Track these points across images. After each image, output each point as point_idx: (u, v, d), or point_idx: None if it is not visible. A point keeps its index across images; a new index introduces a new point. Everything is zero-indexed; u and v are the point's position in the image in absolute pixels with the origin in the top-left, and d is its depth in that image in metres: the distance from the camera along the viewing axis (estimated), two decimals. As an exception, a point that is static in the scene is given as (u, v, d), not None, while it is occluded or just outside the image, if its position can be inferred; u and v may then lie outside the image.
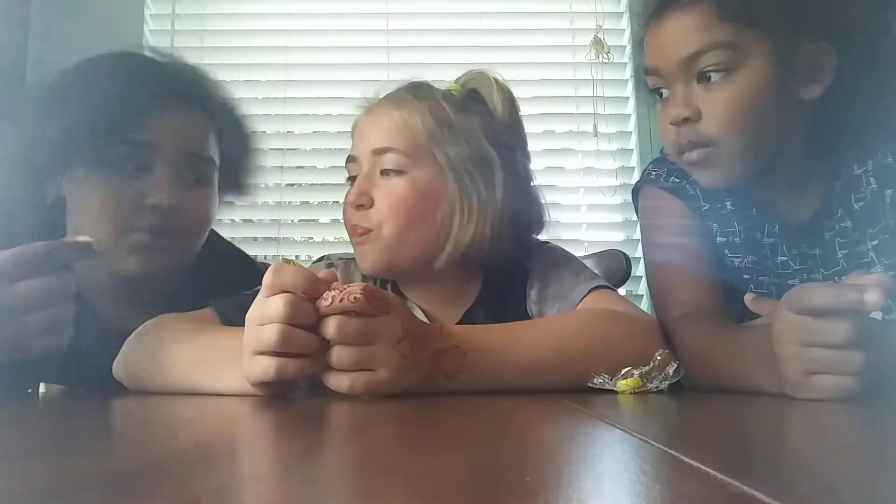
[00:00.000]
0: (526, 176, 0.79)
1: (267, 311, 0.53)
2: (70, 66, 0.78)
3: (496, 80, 0.78)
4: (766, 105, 0.71)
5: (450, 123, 0.74)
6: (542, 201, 0.81)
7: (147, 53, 0.85)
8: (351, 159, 0.78)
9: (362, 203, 0.74)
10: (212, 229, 0.90)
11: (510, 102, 0.78)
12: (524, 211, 0.78)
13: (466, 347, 0.60)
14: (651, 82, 0.78)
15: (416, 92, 0.77)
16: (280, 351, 0.53)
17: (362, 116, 0.79)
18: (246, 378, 0.55)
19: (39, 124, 0.74)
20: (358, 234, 0.74)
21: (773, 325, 0.56)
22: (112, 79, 0.77)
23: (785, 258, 0.81)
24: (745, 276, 0.84)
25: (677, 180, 0.85)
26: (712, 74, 0.71)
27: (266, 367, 0.53)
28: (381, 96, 0.79)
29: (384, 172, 0.74)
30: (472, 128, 0.74)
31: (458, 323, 0.77)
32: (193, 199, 0.79)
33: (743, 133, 0.72)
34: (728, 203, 0.83)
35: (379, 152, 0.74)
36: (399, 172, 0.73)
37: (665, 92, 0.76)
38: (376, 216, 0.73)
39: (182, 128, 0.79)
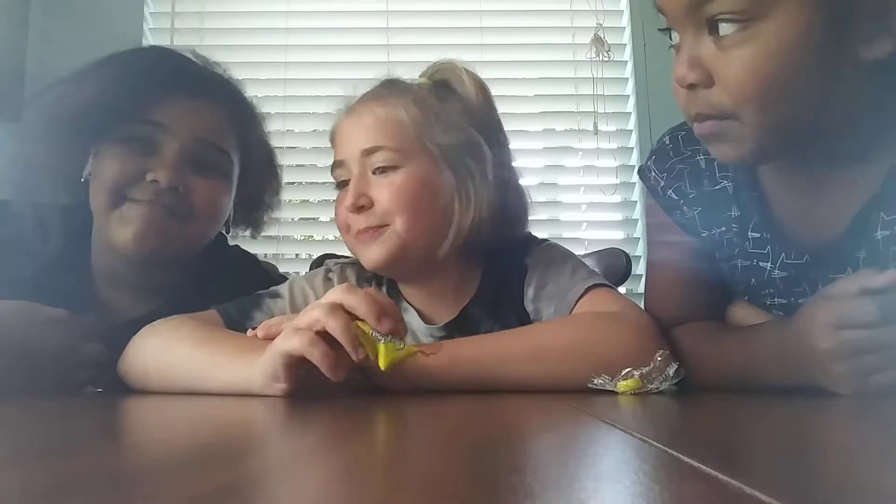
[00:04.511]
0: (507, 161, 0.79)
1: (330, 296, 0.57)
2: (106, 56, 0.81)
3: (465, 69, 0.78)
4: (801, 67, 0.54)
5: (436, 113, 0.74)
6: (524, 189, 0.82)
7: (179, 51, 0.87)
8: (338, 164, 0.76)
9: (362, 205, 0.72)
10: (236, 245, 0.94)
11: (482, 88, 0.78)
12: (511, 197, 0.78)
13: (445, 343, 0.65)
14: (663, 21, 0.63)
15: (395, 86, 0.77)
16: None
17: (342, 119, 0.78)
18: (274, 350, 0.55)
19: (68, 102, 0.77)
20: (364, 235, 0.73)
21: (810, 321, 0.54)
22: (135, 64, 0.80)
23: (799, 288, 0.67)
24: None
25: (675, 197, 0.74)
26: (723, 25, 0.55)
27: (301, 339, 0.54)
28: (358, 97, 0.79)
29: (377, 171, 0.73)
30: (456, 115, 0.75)
31: (454, 319, 0.77)
32: (200, 185, 0.80)
33: (768, 106, 0.55)
34: (734, 228, 0.70)
35: (368, 152, 0.73)
36: (394, 168, 0.72)
37: (675, 36, 0.61)
38: (381, 214, 0.72)
39: (195, 114, 0.80)
